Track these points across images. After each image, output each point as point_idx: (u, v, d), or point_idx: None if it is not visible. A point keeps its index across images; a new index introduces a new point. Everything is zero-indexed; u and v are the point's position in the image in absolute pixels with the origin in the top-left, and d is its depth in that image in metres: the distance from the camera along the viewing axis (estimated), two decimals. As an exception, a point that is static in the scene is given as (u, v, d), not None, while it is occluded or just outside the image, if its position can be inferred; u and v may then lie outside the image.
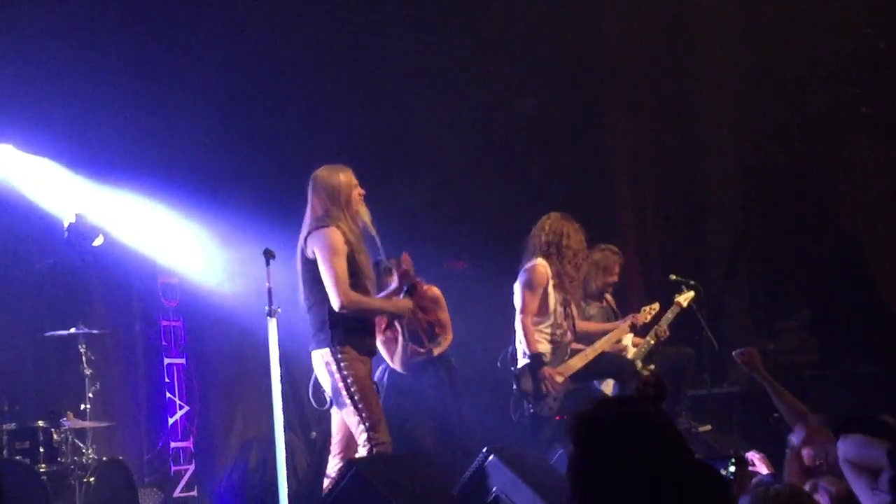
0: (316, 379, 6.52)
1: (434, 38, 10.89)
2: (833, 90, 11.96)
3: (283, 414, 6.94)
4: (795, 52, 12.13)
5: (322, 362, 6.40)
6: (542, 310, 8.19)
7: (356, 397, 6.23)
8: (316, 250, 6.35)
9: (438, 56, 10.94)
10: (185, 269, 10.02)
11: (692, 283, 9.40)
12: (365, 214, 6.59)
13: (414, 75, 10.91)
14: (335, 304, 6.26)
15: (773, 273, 12.71)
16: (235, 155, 9.95)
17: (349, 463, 5.76)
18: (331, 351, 6.32)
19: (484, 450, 6.33)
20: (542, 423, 8.17)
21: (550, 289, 8.17)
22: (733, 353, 6.04)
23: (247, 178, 10.00)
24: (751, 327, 12.50)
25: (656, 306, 8.93)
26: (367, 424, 6.23)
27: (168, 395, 9.76)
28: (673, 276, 9.44)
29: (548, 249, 8.25)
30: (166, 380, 9.78)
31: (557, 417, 8.84)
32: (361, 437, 6.28)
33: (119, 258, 9.51)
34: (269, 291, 6.81)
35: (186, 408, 9.84)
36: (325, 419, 10.02)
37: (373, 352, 6.56)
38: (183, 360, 9.93)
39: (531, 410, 8.09)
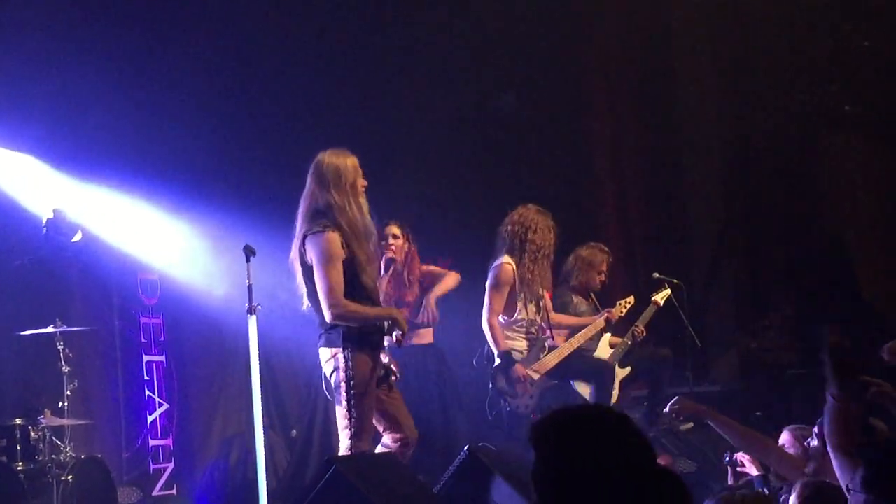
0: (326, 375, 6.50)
1: (417, 34, 10.89)
2: (815, 88, 11.99)
3: (263, 412, 6.91)
4: (777, 50, 12.16)
5: (329, 360, 6.36)
6: (512, 308, 8.15)
7: (353, 402, 6.19)
8: (312, 257, 6.25)
9: (421, 53, 10.94)
10: (165, 266, 9.98)
11: (675, 281, 9.41)
12: (364, 206, 6.47)
13: (397, 73, 10.91)
14: (327, 316, 6.21)
15: (756, 272, 12.74)
16: (217, 150, 9.90)
17: (329, 461, 5.73)
18: (339, 351, 6.26)
19: (465, 448, 6.31)
20: (519, 421, 8.15)
21: (519, 286, 8.12)
22: (666, 410, 5.95)
23: (228, 174, 9.96)
24: (733, 325, 12.51)
25: (631, 299, 8.89)
26: (352, 431, 6.20)
27: (147, 392, 9.72)
28: (656, 275, 9.45)
29: (512, 243, 8.20)
30: (145, 377, 9.73)
31: (533, 416, 8.84)
32: (344, 441, 6.27)
33: (98, 254, 9.46)
34: (250, 288, 6.78)
35: (166, 405, 9.80)
36: (306, 417, 10.05)
37: (380, 344, 6.45)
38: (162, 358, 9.89)
39: (508, 409, 8.06)
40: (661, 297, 9.10)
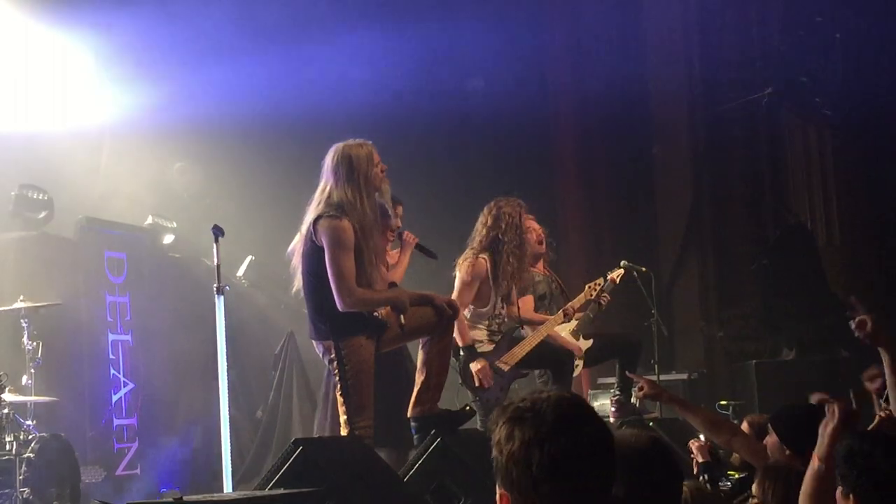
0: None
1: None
2: (785, 79, 12.07)
3: (229, 393, 6.90)
4: (746, 33, 12.23)
5: (324, 353, 6.35)
6: (481, 302, 8.15)
7: (349, 387, 6.21)
8: (325, 240, 6.21)
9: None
10: (132, 244, 9.96)
11: (643, 269, 9.45)
12: (386, 192, 6.50)
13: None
14: (339, 304, 6.20)
15: (724, 260, 12.81)
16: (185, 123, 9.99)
17: (296, 442, 5.75)
18: (333, 344, 6.26)
19: (432, 432, 6.34)
20: (489, 413, 8.14)
21: (490, 281, 8.11)
22: (633, 392, 5.98)
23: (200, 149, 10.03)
24: (700, 314, 12.60)
25: (600, 281, 8.88)
26: (352, 409, 6.22)
27: (112, 371, 9.69)
28: (624, 262, 9.48)
29: (487, 240, 8.16)
30: (111, 356, 9.70)
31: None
32: (343, 419, 6.29)
33: (64, 229, 9.44)
34: (218, 268, 6.75)
35: (131, 385, 9.78)
36: (271, 399, 10.09)
37: (379, 325, 6.43)
38: (128, 337, 9.87)
39: (478, 402, 8.05)
40: (616, 275, 9.13)
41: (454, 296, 7.94)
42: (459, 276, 8.08)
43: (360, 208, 6.28)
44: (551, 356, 8.43)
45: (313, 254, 6.27)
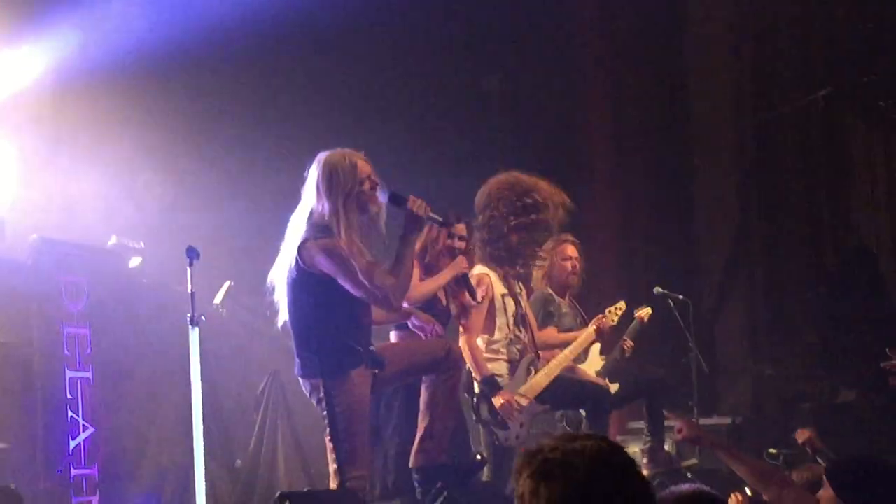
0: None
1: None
2: (845, 80, 12.08)
3: (204, 438, 6.95)
4: (799, 30, 12.26)
5: (312, 392, 6.39)
6: (490, 325, 8.18)
7: (339, 431, 6.22)
8: (323, 264, 6.24)
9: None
10: (93, 267, 10.00)
11: (680, 297, 9.50)
12: (375, 208, 6.46)
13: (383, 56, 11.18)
14: (394, 306, 6.37)
15: (776, 287, 12.80)
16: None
17: (281, 497, 5.80)
18: (318, 383, 6.30)
19: (437, 485, 6.38)
20: (508, 454, 8.15)
21: (499, 299, 8.14)
22: (671, 436, 6.01)
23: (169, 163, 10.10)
24: (748, 350, 12.59)
25: (622, 305, 8.91)
26: (343, 457, 6.24)
27: (70, 413, 9.72)
28: (658, 289, 9.52)
29: (493, 247, 8.18)
30: (68, 396, 9.71)
31: (522, 449, 8.87)
32: (332, 468, 6.30)
33: (15, 252, 9.50)
34: (192, 296, 6.81)
35: (91, 429, 9.80)
36: (252, 445, 10.11)
37: (376, 361, 6.46)
38: (88, 374, 9.89)
39: (496, 442, 8.05)
40: (644, 314, 9.19)
41: (462, 322, 7.98)
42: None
43: (347, 223, 6.30)
44: (583, 393, 8.44)
45: (302, 281, 6.30)
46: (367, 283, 6.20)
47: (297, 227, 6.38)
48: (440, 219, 6.72)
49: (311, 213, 6.35)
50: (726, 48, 12.91)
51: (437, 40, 11.57)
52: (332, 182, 6.33)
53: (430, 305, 7.78)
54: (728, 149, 12.97)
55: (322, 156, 6.43)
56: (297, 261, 6.29)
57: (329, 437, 6.27)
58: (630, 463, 2.65)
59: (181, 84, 10.75)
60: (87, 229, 10.34)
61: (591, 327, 8.60)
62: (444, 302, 8.02)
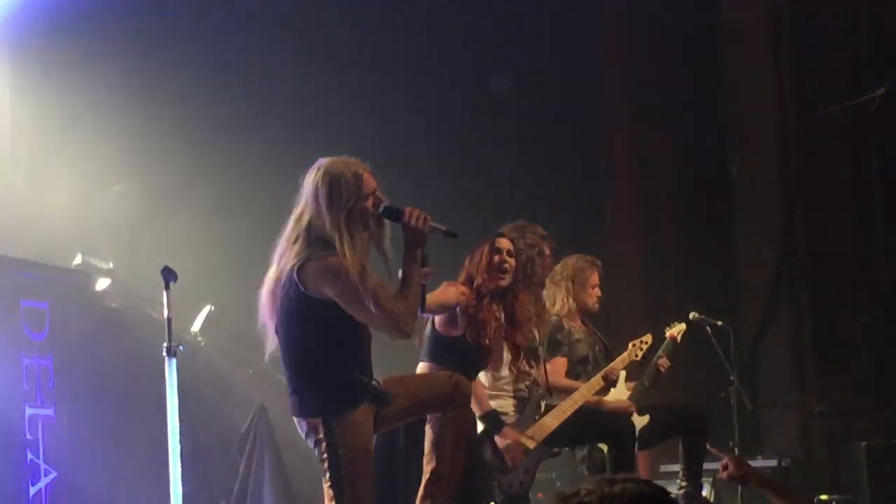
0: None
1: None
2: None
3: (182, 482, 6.95)
4: (848, 20, 12.26)
5: (309, 432, 6.35)
6: (497, 359, 8.16)
7: (342, 476, 6.20)
8: (328, 285, 6.17)
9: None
10: (57, 290, 10.01)
11: (719, 323, 9.49)
12: (378, 227, 6.39)
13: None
14: (401, 333, 6.30)
15: (824, 311, 12.79)
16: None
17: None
18: (318, 422, 6.25)
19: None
20: (516, 501, 8.15)
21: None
22: (719, 476, 5.97)
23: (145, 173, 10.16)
24: (794, 382, 12.58)
25: (648, 338, 8.91)
26: (345, 500, 6.22)
27: (30, 456, 9.72)
28: (694, 314, 9.51)
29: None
30: (28, 436, 9.73)
31: (539, 495, 8.86)
32: None
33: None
34: (169, 322, 6.80)
35: (54, 473, 9.81)
36: (236, 487, 10.11)
37: (380, 396, 6.37)
38: (50, 411, 9.89)
39: (496, 487, 8.04)
40: (677, 332, 9.19)
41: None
42: None
43: (348, 238, 6.18)
44: (603, 425, 8.44)
45: (300, 306, 6.24)
46: (374, 307, 6.19)
47: (292, 243, 6.34)
48: (444, 228, 6.67)
49: (310, 226, 6.30)
50: (764, 40, 12.91)
51: (445, 37, 11.64)
52: (334, 193, 6.23)
53: (459, 348, 7.79)
54: (770, 155, 12.96)
55: (323, 162, 6.36)
56: (295, 283, 6.22)
57: (329, 484, 6.24)
58: None
59: (164, 83, 10.78)
60: (50, 246, 10.34)
61: (599, 376, 8.61)
62: (486, 341, 7.94)
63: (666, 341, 9.13)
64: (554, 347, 8.91)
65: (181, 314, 8.17)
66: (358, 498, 6.25)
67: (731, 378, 9.58)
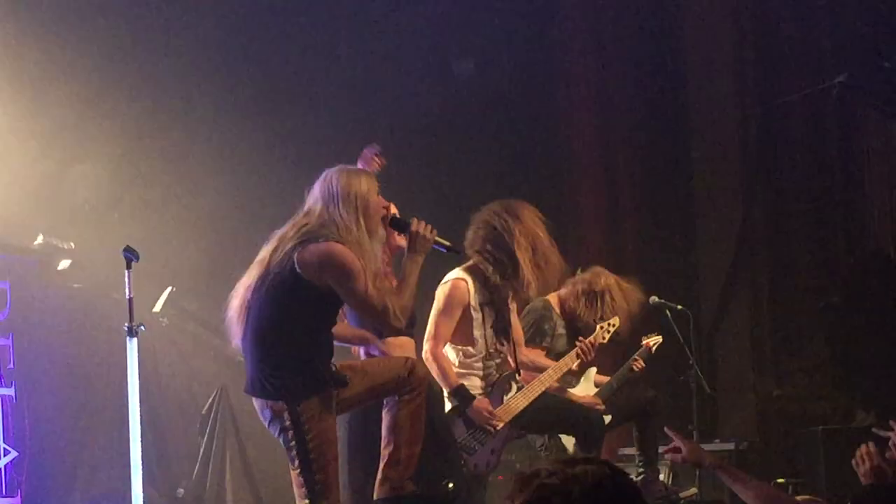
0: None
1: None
2: (862, 65, 12.09)
3: (143, 463, 6.90)
4: (808, 9, 12.27)
5: (274, 419, 6.33)
6: (466, 336, 8.12)
7: (311, 462, 6.22)
8: (327, 269, 6.26)
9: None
10: (17, 271, 9.94)
11: (679, 307, 9.49)
12: (381, 243, 6.63)
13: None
14: (392, 326, 6.45)
15: (783, 296, 12.80)
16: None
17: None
18: (283, 408, 6.25)
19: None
20: (476, 482, 8.10)
21: (477, 308, 8.07)
22: (665, 456, 5.97)
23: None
24: (750, 366, 12.59)
25: (615, 321, 8.86)
26: (317, 492, 6.23)
27: (-10, 436, 9.69)
28: (655, 298, 9.51)
29: (481, 250, 8.12)
30: (-12, 416, 9.70)
31: (500, 477, 8.82)
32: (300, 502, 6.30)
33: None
34: (130, 303, 6.77)
35: (14, 453, 9.76)
36: (196, 471, 10.07)
37: (339, 380, 6.41)
38: (10, 391, 9.85)
39: (464, 469, 7.98)
40: (652, 342, 9.23)
41: (429, 328, 7.96)
42: (435, 303, 8.08)
43: (359, 237, 6.35)
44: (572, 417, 8.40)
45: (291, 289, 6.25)
46: (372, 297, 6.27)
47: (292, 235, 6.36)
48: (448, 244, 6.82)
49: (321, 217, 6.38)
50: (727, 27, 12.91)
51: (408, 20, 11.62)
52: (351, 196, 6.40)
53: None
54: (729, 141, 12.96)
55: (335, 169, 6.52)
56: (292, 263, 6.25)
57: (298, 471, 6.24)
58: (635, 492, 2.64)
59: (131, 62, 10.72)
60: (10, 226, 10.26)
61: (574, 350, 8.54)
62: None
63: (641, 349, 9.15)
64: (538, 335, 8.87)
65: (143, 295, 8.10)
66: (328, 482, 6.28)
67: (691, 362, 9.58)
